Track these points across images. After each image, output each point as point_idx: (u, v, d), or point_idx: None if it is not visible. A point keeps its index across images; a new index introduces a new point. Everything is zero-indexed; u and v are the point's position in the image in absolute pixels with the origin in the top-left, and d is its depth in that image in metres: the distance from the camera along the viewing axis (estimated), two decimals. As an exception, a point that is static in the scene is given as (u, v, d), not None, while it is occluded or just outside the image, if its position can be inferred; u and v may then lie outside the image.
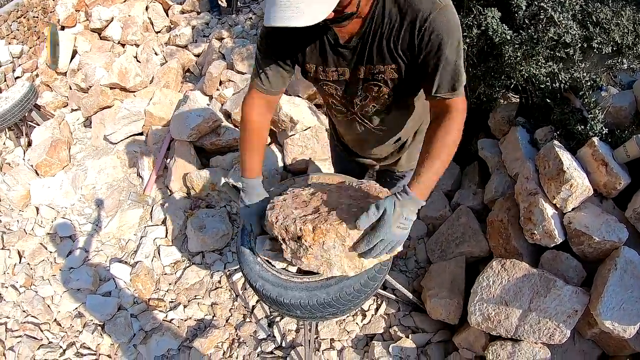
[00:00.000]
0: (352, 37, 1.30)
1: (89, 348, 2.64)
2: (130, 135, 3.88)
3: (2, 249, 3.23)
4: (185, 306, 2.75)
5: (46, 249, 3.21)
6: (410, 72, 1.32)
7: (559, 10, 2.22)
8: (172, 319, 2.70)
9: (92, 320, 2.75)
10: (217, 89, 3.83)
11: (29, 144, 4.16)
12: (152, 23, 5.05)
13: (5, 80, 5.16)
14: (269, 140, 1.71)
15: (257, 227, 1.51)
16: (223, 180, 3.10)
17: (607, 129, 2.02)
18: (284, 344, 2.47)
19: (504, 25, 2.34)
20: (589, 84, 2.15)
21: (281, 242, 1.36)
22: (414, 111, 1.60)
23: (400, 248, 1.31)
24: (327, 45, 1.35)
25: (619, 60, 2.24)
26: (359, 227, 1.22)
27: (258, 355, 2.45)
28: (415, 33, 1.22)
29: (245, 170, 1.53)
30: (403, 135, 1.70)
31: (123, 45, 4.90)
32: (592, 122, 2.04)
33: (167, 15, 5.30)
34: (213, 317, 2.69)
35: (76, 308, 2.83)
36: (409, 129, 1.69)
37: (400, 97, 1.45)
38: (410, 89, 1.42)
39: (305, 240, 1.27)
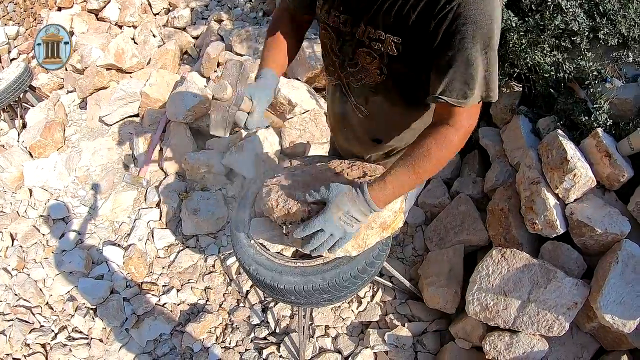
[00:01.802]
0: None
1: (80, 332, 2.62)
2: (126, 117, 3.81)
3: (-5, 230, 3.19)
4: (178, 290, 2.72)
5: (39, 231, 3.16)
6: (413, 53, 1.12)
7: (566, -3, 2.18)
8: (165, 303, 2.67)
9: (84, 303, 2.71)
10: (215, 71, 3.75)
11: (24, 125, 4.09)
12: (150, 5, 4.94)
13: (0, 62, 5.08)
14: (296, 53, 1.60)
15: (262, 103, 1.27)
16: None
17: (611, 121, 1.98)
18: (277, 330, 2.45)
19: (509, 11, 2.29)
20: (594, 74, 2.12)
21: (282, 225, 1.32)
22: (413, 123, 1.42)
23: (340, 248, 1.21)
24: None
25: (625, 53, 2.20)
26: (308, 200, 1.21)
27: (251, 340, 2.43)
28: (436, 9, 1.00)
29: (260, 63, 1.42)
30: (392, 141, 1.52)
31: (120, 27, 4.81)
32: (597, 113, 1.99)
33: (166, -4, 5.21)
34: (206, 301, 2.66)
35: (68, 291, 2.79)
36: (402, 139, 1.51)
37: (395, 83, 1.26)
38: (409, 77, 1.22)
39: None
